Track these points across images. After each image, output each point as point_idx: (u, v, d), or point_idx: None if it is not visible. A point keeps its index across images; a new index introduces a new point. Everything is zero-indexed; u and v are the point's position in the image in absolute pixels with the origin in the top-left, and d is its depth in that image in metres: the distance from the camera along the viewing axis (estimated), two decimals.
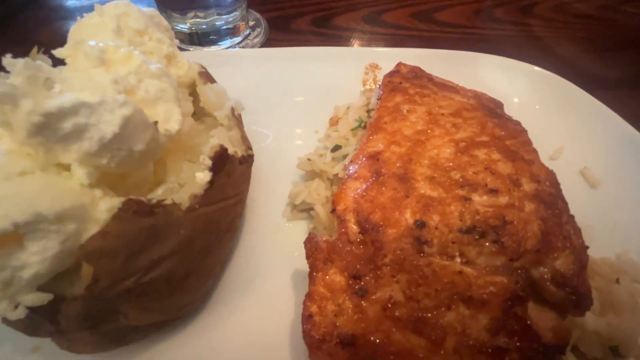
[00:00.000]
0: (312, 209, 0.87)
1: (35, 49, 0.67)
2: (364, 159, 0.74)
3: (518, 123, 0.85)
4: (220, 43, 1.46)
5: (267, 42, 1.56)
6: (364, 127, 0.97)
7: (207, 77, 0.77)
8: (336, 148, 0.89)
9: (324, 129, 1.13)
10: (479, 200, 0.61)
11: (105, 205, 0.51)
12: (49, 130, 0.43)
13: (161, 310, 0.60)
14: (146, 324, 0.60)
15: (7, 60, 0.42)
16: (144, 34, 0.68)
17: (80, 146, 0.47)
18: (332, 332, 0.57)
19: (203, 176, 0.59)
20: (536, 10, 1.86)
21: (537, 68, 1.14)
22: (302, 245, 0.86)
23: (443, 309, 0.55)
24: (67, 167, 0.50)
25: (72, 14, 1.72)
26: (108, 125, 0.46)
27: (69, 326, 0.54)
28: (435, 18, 1.78)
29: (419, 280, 0.57)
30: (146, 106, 0.55)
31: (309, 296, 0.61)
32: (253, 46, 1.51)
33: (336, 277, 0.61)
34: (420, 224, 0.60)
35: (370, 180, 0.69)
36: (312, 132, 1.12)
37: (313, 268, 0.64)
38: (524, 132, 0.81)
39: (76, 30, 0.65)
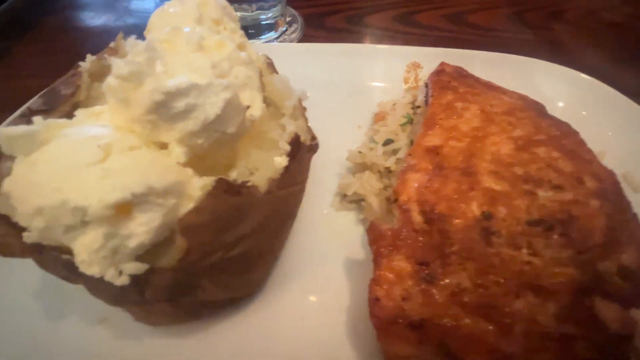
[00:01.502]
0: (362, 200, 0.90)
1: (121, 35, 0.70)
2: (422, 152, 0.76)
3: (568, 125, 0.87)
4: (260, 37, 1.49)
5: (304, 39, 1.59)
6: (411, 123, 1.00)
7: (272, 68, 0.80)
8: (387, 142, 0.92)
9: (366, 124, 1.16)
10: (544, 195, 0.63)
11: (199, 183, 0.54)
12: (165, 108, 0.46)
13: (234, 287, 0.63)
14: (219, 299, 0.63)
15: (131, 41, 0.45)
16: (219, 23, 0.71)
17: (184, 125, 0.49)
18: (400, 314, 0.60)
19: (281, 160, 0.61)
20: (566, 16, 1.87)
21: (583, 75, 1.15)
22: (352, 234, 0.90)
23: (512, 296, 0.57)
24: (164, 145, 0.53)
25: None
26: (212, 107, 0.49)
27: (153, 297, 0.57)
28: (467, 20, 1.80)
29: (488, 268, 0.59)
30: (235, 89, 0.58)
31: (375, 280, 0.64)
32: (291, 41, 1.54)
33: (402, 263, 0.64)
34: (488, 216, 0.62)
35: (432, 173, 0.71)
36: (354, 127, 1.14)
37: (378, 254, 0.66)
38: (576, 133, 0.83)
39: (158, 17, 0.68)
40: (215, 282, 0.60)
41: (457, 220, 0.63)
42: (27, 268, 0.77)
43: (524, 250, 0.60)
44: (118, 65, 0.43)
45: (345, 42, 1.65)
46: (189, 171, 0.55)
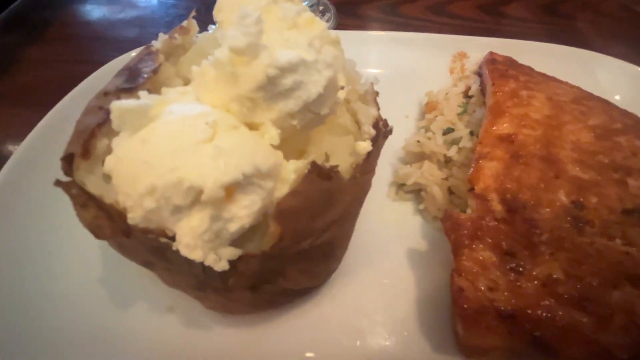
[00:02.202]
0: (421, 190, 0.88)
1: (193, 13, 0.68)
2: (494, 140, 0.74)
3: (636, 115, 0.85)
4: None
5: (338, 28, 1.56)
6: (467, 113, 0.97)
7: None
8: (448, 131, 0.89)
9: (414, 114, 1.13)
10: (636, 184, 0.61)
11: (292, 166, 0.52)
12: (273, 85, 0.44)
13: (315, 276, 0.61)
14: (299, 288, 0.61)
15: (244, 10, 0.43)
16: (294, 2, 0.69)
17: (285, 105, 0.47)
18: (488, 305, 0.58)
19: (366, 145, 0.59)
20: (604, 7, 1.84)
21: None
22: (410, 224, 0.88)
23: (609, 287, 0.55)
24: (255, 126, 0.51)
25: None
26: (315, 85, 0.47)
27: (237, 284, 0.55)
28: (502, 11, 1.76)
29: (582, 259, 0.57)
30: None
31: (457, 271, 0.62)
32: None
33: (485, 252, 0.62)
34: (579, 205, 0.60)
35: (509, 161, 0.69)
36: (402, 117, 1.12)
37: (458, 244, 0.64)
38: None
39: None
40: (300, 270, 0.58)
41: (544, 209, 0.61)
42: (89, 257, 0.77)
43: (619, 240, 0.58)
44: (234, 37, 0.41)
45: (379, 30, 1.64)
46: (280, 154, 0.53)
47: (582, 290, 0.56)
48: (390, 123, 1.14)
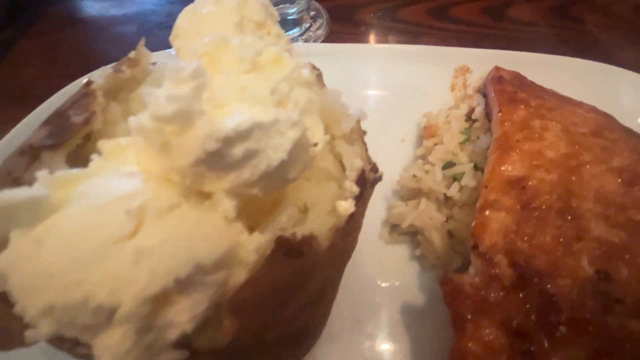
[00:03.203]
0: (417, 233, 0.78)
1: (142, 42, 0.57)
2: (503, 185, 0.64)
3: None
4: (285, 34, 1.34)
5: (330, 35, 1.45)
6: (470, 140, 0.87)
7: (321, 80, 0.66)
8: (448, 165, 0.79)
9: (410, 138, 1.02)
10: None
11: (252, 245, 0.41)
12: (218, 157, 0.33)
13: (287, 358, 0.51)
14: None
15: (175, 63, 0.32)
16: (263, 27, 0.58)
17: (239, 175, 0.37)
18: None
19: (348, 206, 0.49)
20: (615, 8, 1.71)
21: None
22: (407, 274, 0.78)
23: None
24: (207, 195, 0.41)
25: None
26: (276, 150, 0.37)
27: None
28: (508, 14, 1.64)
29: (610, 346, 0.47)
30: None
31: (459, 352, 0.52)
32: (316, 39, 1.40)
33: (492, 331, 0.52)
34: (605, 277, 0.50)
35: (520, 213, 0.59)
36: (397, 141, 1.01)
37: (459, 317, 0.54)
38: None
39: (189, 20, 0.55)
40: (268, 357, 0.48)
41: (563, 281, 0.51)
42: None
43: None
44: (158, 102, 0.31)
45: (375, 39, 1.53)
46: (238, 226, 0.42)
47: None
48: (385, 149, 1.04)
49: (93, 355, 0.35)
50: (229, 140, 0.33)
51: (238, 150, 0.34)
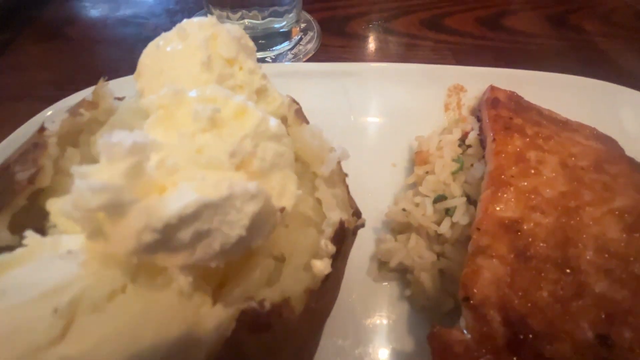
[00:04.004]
0: (407, 271, 0.73)
1: (101, 81, 0.53)
2: (496, 228, 0.59)
3: None
4: (272, 49, 1.30)
5: (321, 48, 1.40)
6: (463, 169, 0.82)
7: (301, 116, 0.62)
8: (439, 199, 0.74)
9: (402, 162, 0.98)
10: None
11: (212, 322, 0.37)
12: (161, 244, 0.29)
13: None
14: None
15: (104, 141, 0.28)
16: (234, 63, 0.54)
17: (191, 254, 0.33)
18: None
19: (323, 267, 0.44)
20: (614, 17, 1.66)
21: None
22: (396, 313, 0.73)
23: None
24: (160, 270, 0.37)
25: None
26: (233, 227, 0.32)
27: None
28: (504, 24, 1.59)
29: None
30: (260, 178, 0.41)
31: None
32: (306, 53, 1.35)
33: None
34: (607, 342, 0.46)
35: (514, 262, 0.54)
36: (388, 166, 0.97)
37: None
38: None
39: (152, 58, 0.51)
40: None
41: (561, 345, 0.46)
42: None
43: None
44: (81, 194, 0.26)
45: (368, 52, 1.48)
46: (197, 299, 0.38)
47: None
48: (374, 175, 1.00)
49: None
50: (172, 227, 0.29)
51: (185, 234, 0.30)
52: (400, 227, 0.78)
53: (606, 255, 0.52)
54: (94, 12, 1.59)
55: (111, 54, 1.38)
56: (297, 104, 0.62)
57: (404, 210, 0.76)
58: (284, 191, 0.43)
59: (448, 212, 0.73)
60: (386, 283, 0.75)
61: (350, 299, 0.73)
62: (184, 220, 0.29)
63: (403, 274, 0.75)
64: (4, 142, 0.88)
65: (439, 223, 0.72)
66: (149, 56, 0.52)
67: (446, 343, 0.52)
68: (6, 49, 1.38)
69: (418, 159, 0.88)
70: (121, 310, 0.31)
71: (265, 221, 0.36)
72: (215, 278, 0.44)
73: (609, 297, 0.48)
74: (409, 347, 0.68)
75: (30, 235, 0.34)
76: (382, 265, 0.76)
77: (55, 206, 0.39)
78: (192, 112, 0.36)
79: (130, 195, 0.28)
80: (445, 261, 0.70)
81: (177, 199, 0.29)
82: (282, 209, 0.40)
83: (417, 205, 0.76)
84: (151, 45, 0.52)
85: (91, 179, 0.27)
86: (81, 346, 0.28)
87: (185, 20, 0.54)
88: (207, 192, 0.30)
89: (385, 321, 0.71)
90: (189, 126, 0.36)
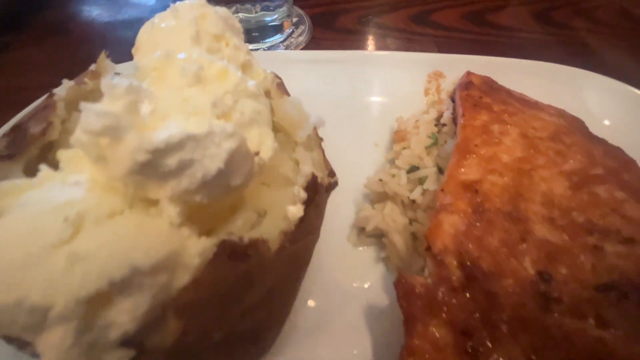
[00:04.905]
0: (383, 235, 0.80)
1: (103, 55, 0.60)
2: (458, 189, 0.66)
3: (621, 150, 0.76)
4: (265, 41, 1.38)
5: (312, 41, 1.47)
6: (437, 144, 0.89)
7: (283, 89, 0.69)
8: (412, 169, 0.81)
9: (384, 142, 1.04)
10: (613, 250, 0.53)
11: (196, 249, 0.44)
12: (152, 167, 0.36)
13: (243, 357, 0.53)
14: None
15: (105, 82, 0.35)
16: (221, 39, 0.60)
17: (178, 183, 0.39)
18: None
19: (296, 211, 0.51)
20: (599, 14, 1.73)
21: (634, 90, 1.02)
22: (373, 276, 0.80)
23: None
24: (154, 202, 0.43)
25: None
26: (213, 160, 0.39)
27: None
28: (489, 20, 1.67)
29: (547, 343, 0.49)
30: (240, 129, 0.47)
31: (408, 350, 0.54)
32: (297, 45, 1.42)
33: (440, 330, 0.54)
34: (545, 277, 0.52)
35: (472, 216, 0.61)
36: (371, 145, 1.03)
37: (409, 317, 0.56)
38: (633, 162, 0.72)
39: (148, 34, 0.58)
40: (221, 357, 0.50)
41: (506, 281, 0.53)
42: None
43: (592, 322, 0.49)
44: (87, 118, 0.33)
45: (357, 45, 1.55)
46: (185, 232, 0.44)
47: None
48: (357, 153, 1.07)
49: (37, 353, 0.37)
50: (160, 152, 0.35)
51: (172, 161, 0.36)
52: (377, 197, 0.84)
53: (550, 207, 0.58)
54: (95, 13, 1.64)
55: (111, 56, 1.40)
56: (279, 78, 0.69)
57: (380, 180, 0.82)
58: (263, 144, 0.50)
59: (420, 181, 0.79)
60: (364, 247, 0.82)
61: (329, 262, 0.80)
62: (171, 147, 0.35)
63: (379, 238, 0.81)
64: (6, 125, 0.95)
65: (412, 191, 0.79)
66: (145, 32, 0.59)
67: (409, 286, 0.58)
68: (7, 49, 1.42)
69: (396, 137, 0.95)
70: (119, 227, 0.38)
71: (242, 160, 0.42)
72: (203, 224, 0.50)
73: (550, 241, 0.55)
74: (383, 303, 0.74)
75: (44, 169, 0.40)
76: (360, 231, 0.82)
77: (65, 154, 0.45)
78: (180, 69, 0.43)
79: (125, 123, 0.34)
80: (417, 225, 0.76)
81: (165, 130, 0.36)
82: (257, 153, 0.47)
83: (393, 176, 0.82)
84: (147, 24, 0.60)
85: (96, 105, 0.34)
86: (87, 246, 0.34)
87: (178, 2, 0.61)
88: (190, 128, 0.37)
89: (362, 282, 0.77)
90: (177, 81, 0.43)
